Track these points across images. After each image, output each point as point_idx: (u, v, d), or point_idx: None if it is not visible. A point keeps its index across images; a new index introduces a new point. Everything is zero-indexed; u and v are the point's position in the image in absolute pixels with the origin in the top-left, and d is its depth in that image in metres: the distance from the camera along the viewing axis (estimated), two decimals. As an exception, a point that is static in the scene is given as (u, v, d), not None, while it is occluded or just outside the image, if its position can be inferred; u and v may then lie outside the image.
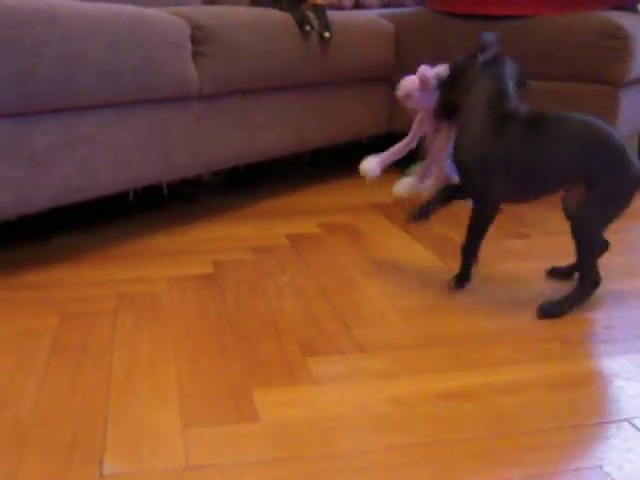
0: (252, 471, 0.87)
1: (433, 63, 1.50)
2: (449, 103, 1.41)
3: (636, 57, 2.09)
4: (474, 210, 1.38)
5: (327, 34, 2.13)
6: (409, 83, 1.51)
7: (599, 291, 1.39)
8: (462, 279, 1.44)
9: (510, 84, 1.35)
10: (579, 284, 1.35)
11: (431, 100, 1.46)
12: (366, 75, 2.41)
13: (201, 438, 0.93)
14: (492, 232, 1.41)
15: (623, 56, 2.07)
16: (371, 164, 1.63)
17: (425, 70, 1.46)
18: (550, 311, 1.31)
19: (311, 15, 2.11)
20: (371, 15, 2.50)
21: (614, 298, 1.41)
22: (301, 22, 2.06)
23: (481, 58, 1.35)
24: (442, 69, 1.45)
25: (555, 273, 1.51)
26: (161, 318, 1.31)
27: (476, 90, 1.35)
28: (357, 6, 3.14)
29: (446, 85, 1.42)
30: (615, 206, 1.31)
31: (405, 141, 1.63)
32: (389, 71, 2.50)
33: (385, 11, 2.64)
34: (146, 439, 0.93)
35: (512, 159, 1.32)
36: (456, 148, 1.38)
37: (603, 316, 1.33)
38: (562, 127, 1.31)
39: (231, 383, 1.08)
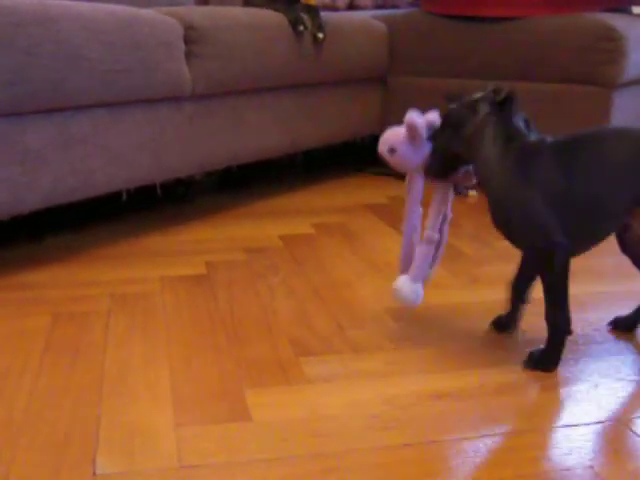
0: (244, 471, 0.87)
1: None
2: (445, 157, 1.18)
3: (629, 58, 2.10)
4: (544, 267, 1.10)
5: (320, 35, 2.13)
6: (392, 135, 1.22)
7: (591, 292, 1.40)
8: (556, 356, 1.13)
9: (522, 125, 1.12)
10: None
11: (421, 155, 1.20)
12: (360, 76, 2.41)
13: (194, 438, 0.93)
14: (485, 233, 1.41)
15: (616, 58, 2.08)
16: (408, 289, 1.22)
17: (414, 117, 1.18)
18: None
19: (304, 16, 2.12)
20: (364, 16, 2.51)
21: (607, 299, 1.42)
22: (294, 23, 2.06)
23: (487, 102, 1.11)
24: (434, 116, 1.21)
25: (620, 324, 1.29)
26: (154, 318, 1.31)
27: (487, 139, 1.11)
28: (351, 7, 3.15)
29: (440, 135, 1.17)
30: None
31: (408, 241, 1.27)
32: (383, 72, 2.50)
33: (379, 12, 2.65)
34: (139, 438, 0.93)
35: (558, 197, 1.06)
36: (494, 210, 1.13)
37: (596, 317, 1.33)
38: (607, 144, 1.08)
39: (224, 383, 1.08)
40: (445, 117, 1.17)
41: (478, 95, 1.13)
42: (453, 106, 1.16)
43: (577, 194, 1.06)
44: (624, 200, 1.07)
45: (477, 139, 1.12)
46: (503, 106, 1.10)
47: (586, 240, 1.12)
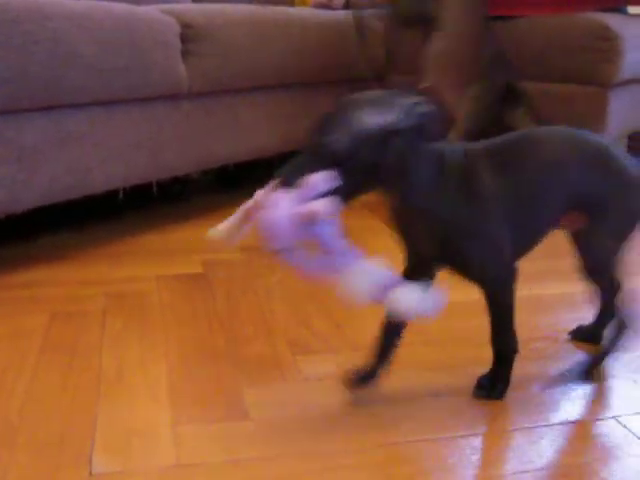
0: (242, 469, 0.86)
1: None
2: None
3: (625, 58, 2.10)
4: (499, 296, 1.01)
5: None
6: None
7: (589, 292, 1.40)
8: (508, 378, 1.05)
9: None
10: (617, 327, 1.12)
11: None
12: (356, 74, 2.41)
13: (191, 436, 0.93)
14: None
15: (612, 57, 2.08)
16: None
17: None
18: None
19: None
20: (361, 15, 2.51)
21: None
22: None
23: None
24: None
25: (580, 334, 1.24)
26: (151, 317, 1.31)
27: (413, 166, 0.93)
28: (347, 7, 3.14)
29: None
30: (628, 228, 1.06)
31: None
32: (379, 70, 2.50)
33: (376, 11, 2.65)
34: (136, 438, 0.93)
35: (502, 205, 0.97)
36: (443, 244, 0.98)
37: (593, 317, 1.33)
38: (539, 145, 1.01)
39: (221, 382, 1.08)
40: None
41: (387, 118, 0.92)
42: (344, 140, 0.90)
43: (515, 199, 0.98)
44: (559, 201, 1.02)
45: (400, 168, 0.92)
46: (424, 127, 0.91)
47: (525, 246, 1.04)
